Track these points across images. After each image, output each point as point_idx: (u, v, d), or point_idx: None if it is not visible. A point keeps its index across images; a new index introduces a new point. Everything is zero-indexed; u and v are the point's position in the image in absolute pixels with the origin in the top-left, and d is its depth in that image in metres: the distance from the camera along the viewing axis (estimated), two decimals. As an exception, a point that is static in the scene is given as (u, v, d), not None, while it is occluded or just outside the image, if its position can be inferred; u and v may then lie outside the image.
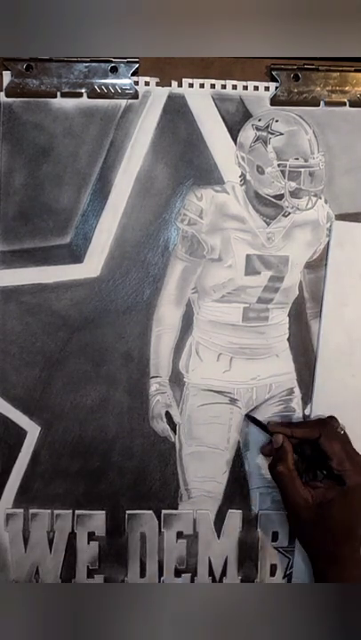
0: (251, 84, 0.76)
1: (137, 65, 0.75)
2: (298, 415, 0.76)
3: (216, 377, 0.77)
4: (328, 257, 0.76)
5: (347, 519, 0.66)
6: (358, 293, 0.76)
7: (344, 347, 0.76)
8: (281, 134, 0.75)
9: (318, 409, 0.76)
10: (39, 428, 0.75)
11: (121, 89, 0.76)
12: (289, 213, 0.76)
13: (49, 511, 0.75)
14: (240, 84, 0.76)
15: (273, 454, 0.71)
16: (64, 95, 0.76)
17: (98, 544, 0.75)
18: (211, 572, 0.76)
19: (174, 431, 0.76)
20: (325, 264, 0.76)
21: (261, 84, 0.76)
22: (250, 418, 0.75)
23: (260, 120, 0.76)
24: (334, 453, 0.68)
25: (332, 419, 0.72)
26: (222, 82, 0.76)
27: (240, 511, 0.76)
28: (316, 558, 0.68)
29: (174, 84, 0.76)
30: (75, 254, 0.76)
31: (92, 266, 0.76)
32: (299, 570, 0.75)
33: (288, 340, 0.77)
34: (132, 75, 0.76)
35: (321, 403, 0.76)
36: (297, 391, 0.77)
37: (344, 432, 0.71)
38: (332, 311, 0.76)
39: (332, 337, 0.76)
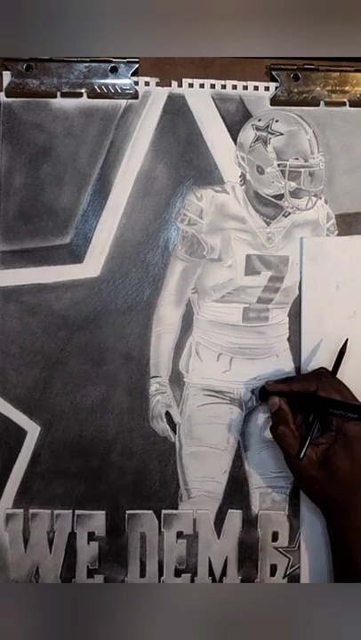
0: (251, 84, 0.76)
1: (137, 65, 0.75)
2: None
3: (216, 377, 0.76)
4: (302, 273, 0.76)
5: (354, 471, 0.66)
6: (336, 304, 0.76)
7: (324, 361, 0.75)
8: (281, 134, 0.75)
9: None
10: (39, 428, 0.75)
11: (121, 89, 0.76)
12: (289, 213, 0.76)
13: (49, 511, 0.75)
14: (240, 84, 0.76)
15: (271, 416, 0.71)
16: (64, 95, 0.76)
17: (98, 544, 0.75)
18: (211, 572, 0.76)
19: (174, 431, 0.76)
20: (300, 281, 0.76)
21: (261, 84, 0.77)
22: (253, 392, 0.75)
23: (260, 120, 0.76)
24: (335, 401, 0.68)
25: (324, 370, 0.72)
26: (222, 82, 0.76)
27: (240, 511, 0.76)
28: (328, 511, 0.69)
29: (174, 84, 0.76)
30: (75, 254, 0.76)
31: (92, 266, 0.76)
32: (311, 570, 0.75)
33: (288, 339, 0.77)
34: (132, 75, 0.76)
35: None
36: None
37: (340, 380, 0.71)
38: (311, 326, 0.76)
39: (313, 353, 0.76)
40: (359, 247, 0.76)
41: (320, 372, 0.72)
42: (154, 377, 0.76)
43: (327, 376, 0.71)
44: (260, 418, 0.77)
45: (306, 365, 0.76)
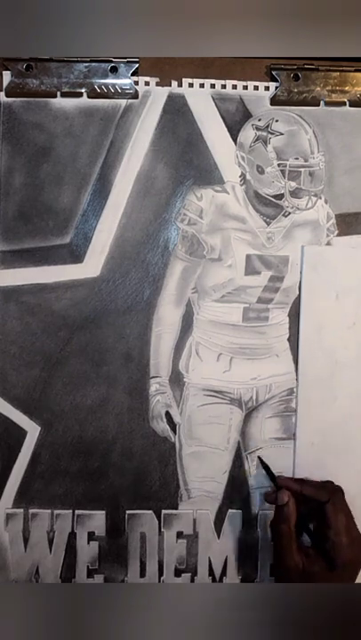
0: (251, 84, 0.76)
1: (137, 65, 0.75)
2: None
3: (216, 377, 0.76)
4: (302, 281, 0.76)
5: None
6: (335, 314, 0.76)
7: (323, 371, 0.75)
8: (281, 134, 0.75)
9: (303, 436, 0.76)
10: (39, 428, 0.75)
11: (121, 89, 0.76)
12: (289, 213, 0.76)
13: (49, 511, 0.75)
14: (240, 83, 0.76)
15: (275, 509, 0.69)
16: (64, 95, 0.76)
17: (98, 544, 0.75)
18: (211, 572, 0.76)
19: (174, 431, 0.76)
20: (299, 289, 0.76)
21: (261, 84, 0.76)
22: (261, 461, 0.74)
23: (260, 120, 0.76)
24: (336, 522, 0.66)
25: (338, 489, 0.70)
26: (222, 82, 0.76)
27: (240, 511, 0.76)
28: None
29: (174, 83, 0.76)
30: (75, 254, 0.76)
31: (92, 266, 0.76)
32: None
33: (288, 340, 0.77)
34: (132, 75, 0.76)
35: (305, 430, 0.76)
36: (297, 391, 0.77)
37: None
38: (309, 336, 0.76)
39: (311, 363, 0.76)
40: (360, 257, 0.77)
41: (336, 488, 0.70)
42: (154, 377, 0.76)
43: (342, 495, 0.69)
44: (260, 418, 0.77)
45: (304, 377, 0.76)
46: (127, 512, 0.75)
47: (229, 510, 0.76)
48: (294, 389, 0.77)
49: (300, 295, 0.76)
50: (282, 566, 0.66)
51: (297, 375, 0.76)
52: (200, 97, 0.76)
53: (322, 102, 0.77)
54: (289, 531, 0.67)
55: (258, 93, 0.76)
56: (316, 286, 0.76)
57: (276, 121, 0.75)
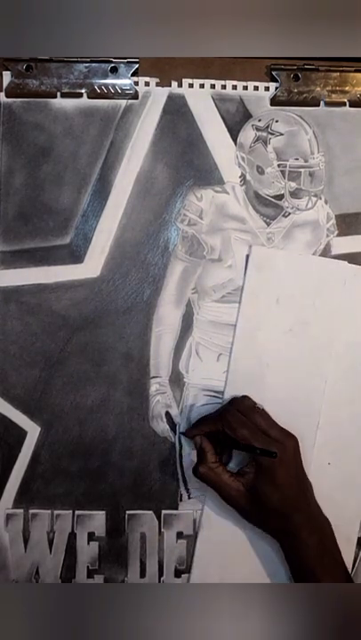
0: (251, 84, 0.76)
1: (137, 65, 0.75)
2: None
3: (216, 377, 0.76)
4: (245, 281, 0.75)
5: (282, 494, 0.66)
6: (273, 318, 0.75)
7: (254, 371, 0.74)
8: (281, 134, 0.75)
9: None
10: (39, 428, 0.75)
11: (121, 89, 0.76)
12: (289, 214, 0.76)
13: (49, 511, 0.75)
14: (240, 84, 0.76)
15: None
16: (64, 95, 0.76)
17: (98, 544, 0.75)
18: (211, 572, 0.76)
19: (174, 431, 0.76)
20: (241, 288, 0.75)
21: (261, 84, 0.77)
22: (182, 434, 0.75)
23: (260, 120, 0.76)
24: (242, 439, 0.67)
25: (234, 402, 0.71)
26: (222, 82, 0.76)
27: (240, 511, 0.76)
28: (276, 534, 0.69)
29: (174, 84, 0.76)
30: (75, 254, 0.76)
31: (92, 266, 0.76)
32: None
33: (288, 340, 0.77)
34: (132, 75, 0.76)
35: None
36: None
37: (257, 408, 0.70)
38: (244, 335, 0.75)
39: (243, 362, 0.75)
40: (306, 264, 0.76)
41: (225, 408, 0.71)
42: (154, 377, 0.76)
43: (235, 410, 0.69)
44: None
45: (233, 375, 0.75)
46: (127, 512, 0.75)
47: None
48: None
49: (241, 295, 0.76)
50: (227, 499, 0.68)
51: (227, 374, 0.76)
52: (200, 97, 0.76)
53: (322, 102, 0.77)
54: (209, 469, 0.68)
55: (258, 94, 0.77)
56: (258, 288, 0.75)
57: (276, 121, 0.75)
